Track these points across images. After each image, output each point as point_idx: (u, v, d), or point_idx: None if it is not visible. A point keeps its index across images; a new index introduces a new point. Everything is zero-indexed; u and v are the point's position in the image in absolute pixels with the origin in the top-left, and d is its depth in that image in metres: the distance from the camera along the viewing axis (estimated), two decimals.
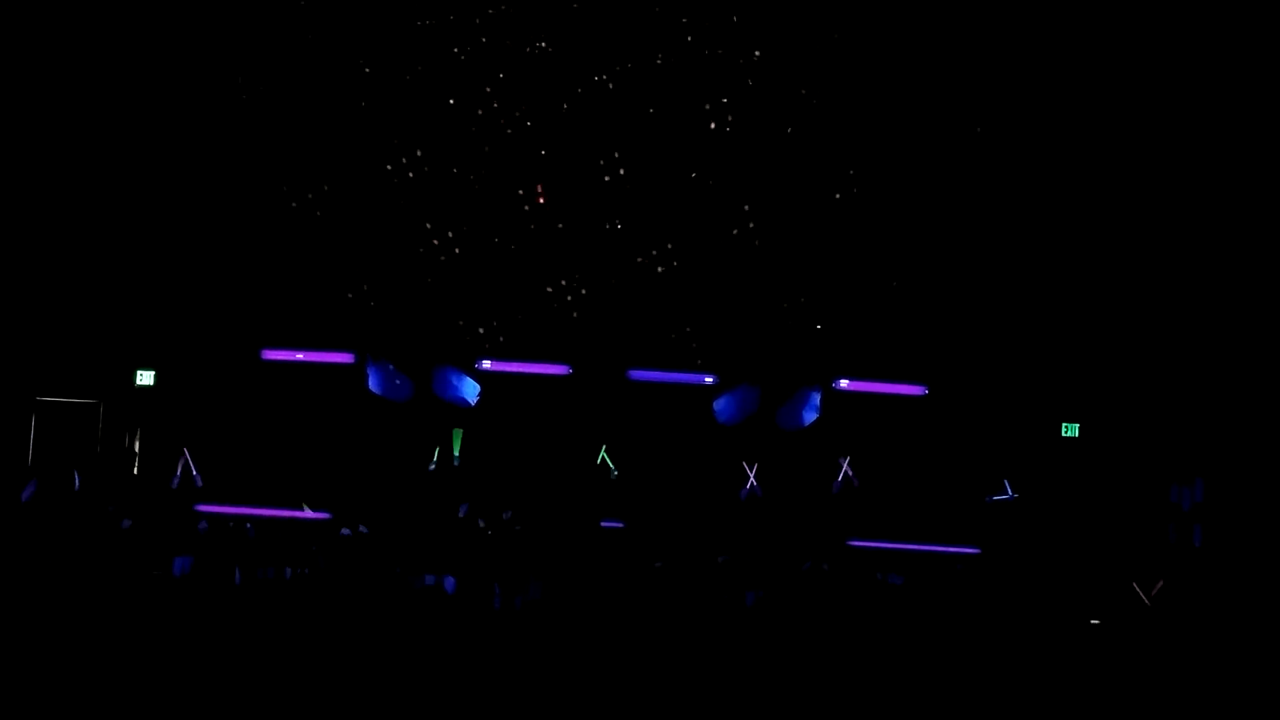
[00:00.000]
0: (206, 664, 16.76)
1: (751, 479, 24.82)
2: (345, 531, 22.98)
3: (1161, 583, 23.59)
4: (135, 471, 25.62)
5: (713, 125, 25.97)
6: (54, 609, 20.38)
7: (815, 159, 26.11)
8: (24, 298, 25.51)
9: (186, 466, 24.73)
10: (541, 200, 25.94)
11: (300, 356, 25.55)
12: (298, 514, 24.04)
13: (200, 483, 24.31)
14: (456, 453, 24.31)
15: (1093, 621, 23.29)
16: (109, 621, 19.61)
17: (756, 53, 26.10)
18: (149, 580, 22.76)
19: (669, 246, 25.98)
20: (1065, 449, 25.93)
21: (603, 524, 24.32)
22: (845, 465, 23.37)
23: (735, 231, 26.01)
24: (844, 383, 25.86)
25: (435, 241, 25.79)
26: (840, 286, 26.09)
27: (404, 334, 25.75)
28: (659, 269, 25.95)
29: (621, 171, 25.99)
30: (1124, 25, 25.92)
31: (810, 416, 25.81)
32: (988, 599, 23.57)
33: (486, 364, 25.70)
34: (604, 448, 24.64)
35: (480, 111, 25.88)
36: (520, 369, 25.81)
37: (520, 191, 25.93)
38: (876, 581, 23.64)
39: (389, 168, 25.80)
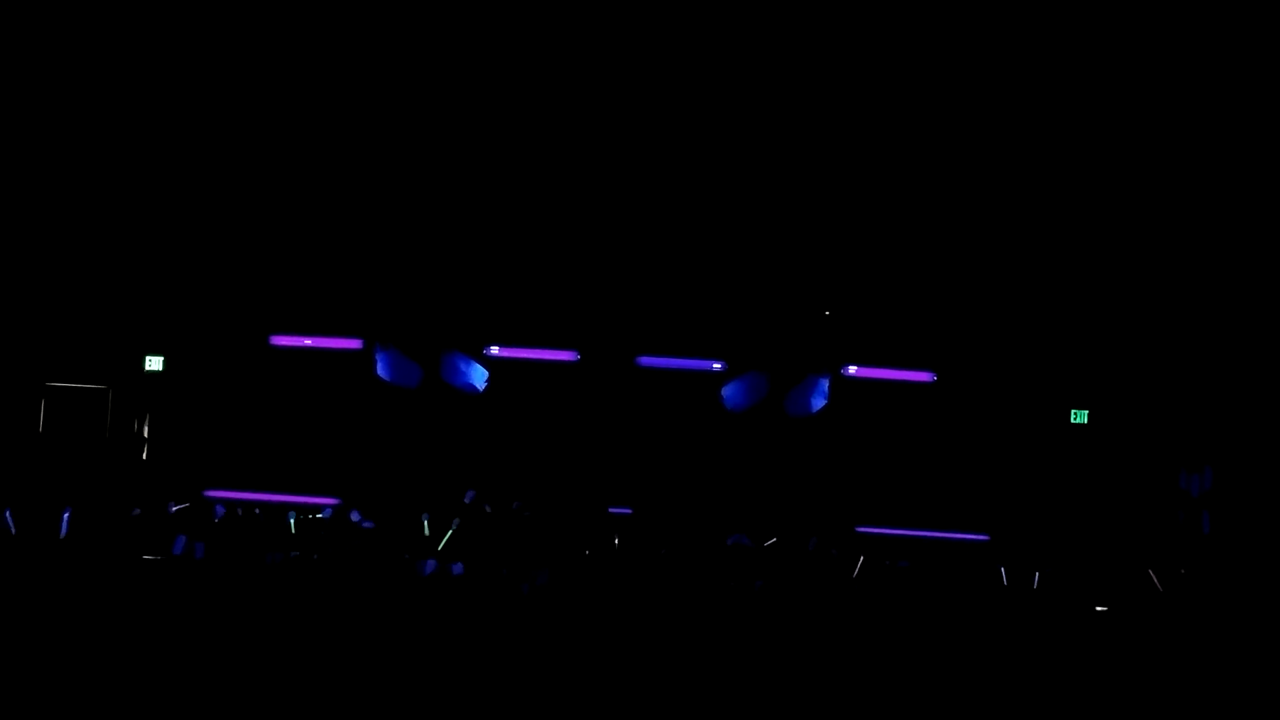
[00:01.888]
0: (215, 650, 16.81)
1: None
2: (368, 523, 23.02)
3: (1182, 571, 23.57)
4: (144, 457, 25.70)
5: (723, 114, 25.98)
6: (63, 597, 20.47)
7: (823, 146, 26.07)
8: (33, 283, 25.56)
9: None
10: (550, 191, 25.94)
11: (308, 343, 25.57)
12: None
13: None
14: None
15: (1099, 608, 23.28)
16: (116, 608, 19.69)
17: (765, 43, 26.06)
18: (157, 565, 22.85)
19: (678, 233, 25.95)
20: (1074, 435, 25.88)
21: (610, 510, 24.34)
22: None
23: (744, 218, 25.98)
24: (852, 369, 25.83)
25: (443, 227, 25.80)
26: (849, 273, 26.05)
27: (413, 320, 25.77)
28: (667, 255, 25.94)
29: (631, 158, 25.97)
30: (1131, 16, 25.83)
31: (818, 403, 25.79)
32: (996, 586, 23.57)
33: (494, 350, 25.71)
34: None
35: (489, 97, 25.88)
36: (528, 355, 25.80)
37: (528, 177, 25.94)
38: (885, 567, 23.65)
39: (397, 154, 25.80)
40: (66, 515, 22.75)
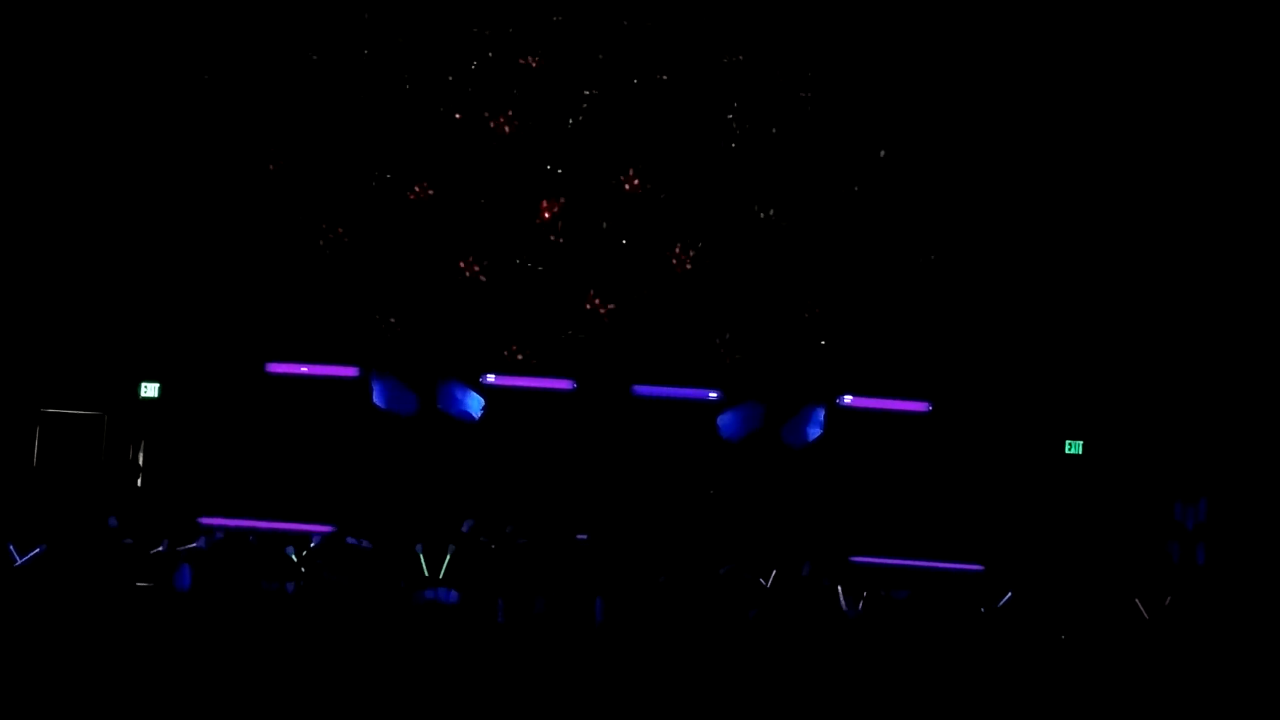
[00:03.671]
0: (210, 675, 16.77)
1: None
2: (351, 540, 23.02)
3: (1170, 599, 23.57)
4: (139, 483, 25.67)
5: (718, 143, 26.09)
6: (57, 620, 20.40)
7: (820, 176, 26.17)
8: (30, 309, 25.57)
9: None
10: (547, 217, 26.00)
11: (304, 370, 25.57)
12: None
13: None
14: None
15: (1092, 635, 23.29)
16: (113, 632, 19.63)
17: (762, 70, 26.19)
18: (148, 590, 22.80)
19: (674, 264, 26.01)
20: (1069, 466, 25.91)
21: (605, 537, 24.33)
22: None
23: (740, 249, 26.05)
24: (848, 399, 25.86)
25: (441, 257, 25.84)
26: (845, 303, 26.11)
27: (409, 348, 25.78)
28: (664, 285, 25.99)
29: (627, 188, 26.04)
30: (1151, 45, 25.97)
31: (814, 433, 25.80)
32: (991, 614, 23.56)
33: (491, 378, 25.71)
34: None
35: (485, 128, 25.97)
36: (525, 384, 25.81)
37: (525, 209, 26.01)
38: (879, 597, 23.64)
39: (394, 185, 25.86)
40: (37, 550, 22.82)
